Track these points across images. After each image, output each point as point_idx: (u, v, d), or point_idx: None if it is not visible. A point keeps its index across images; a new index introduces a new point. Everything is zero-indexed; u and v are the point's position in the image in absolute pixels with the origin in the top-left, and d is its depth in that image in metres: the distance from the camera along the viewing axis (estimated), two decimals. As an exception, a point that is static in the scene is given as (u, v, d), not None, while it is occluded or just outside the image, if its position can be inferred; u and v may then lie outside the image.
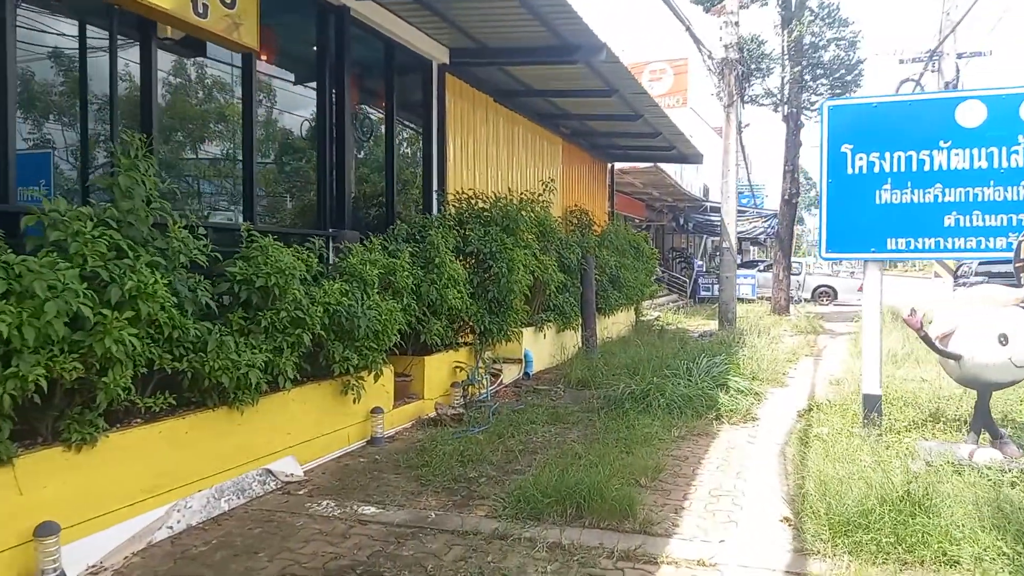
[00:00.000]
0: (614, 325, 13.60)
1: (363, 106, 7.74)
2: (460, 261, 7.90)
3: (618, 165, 19.03)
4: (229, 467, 4.51)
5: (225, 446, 4.48)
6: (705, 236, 32.66)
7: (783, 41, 18.51)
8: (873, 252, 5.93)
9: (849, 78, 19.12)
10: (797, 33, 18.02)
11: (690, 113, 27.53)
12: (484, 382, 7.82)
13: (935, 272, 17.70)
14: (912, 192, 5.81)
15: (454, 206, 8.22)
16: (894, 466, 4.99)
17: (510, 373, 9.08)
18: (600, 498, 4.24)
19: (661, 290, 27.99)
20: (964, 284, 18.09)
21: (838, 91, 19.34)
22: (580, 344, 10.99)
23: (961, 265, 18.35)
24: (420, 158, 8.54)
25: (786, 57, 18.63)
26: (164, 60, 5.41)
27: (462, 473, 5.08)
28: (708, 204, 29.32)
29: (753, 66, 19.14)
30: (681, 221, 29.42)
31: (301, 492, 4.77)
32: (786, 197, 18.73)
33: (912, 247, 5.84)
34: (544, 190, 10.53)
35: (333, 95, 6.80)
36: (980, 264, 17.57)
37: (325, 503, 4.53)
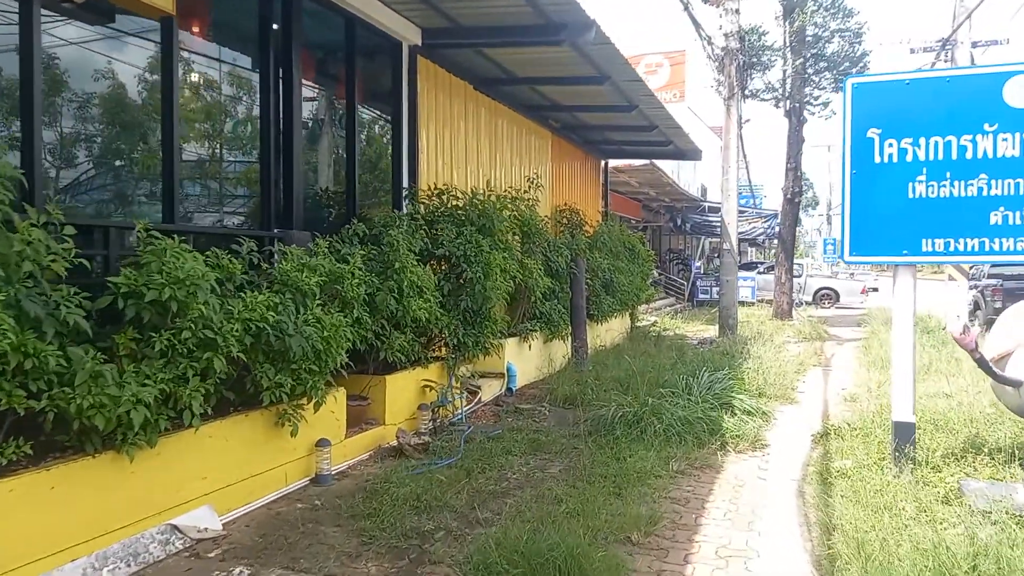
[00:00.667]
0: (608, 332, 12.72)
1: (318, 90, 6.85)
2: (432, 265, 7.02)
3: (613, 163, 18.16)
4: (118, 526, 3.61)
5: (112, 500, 3.58)
6: (703, 237, 31.80)
7: (784, 32, 17.66)
8: (906, 255, 5.05)
9: (854, 72, 18.24)
10: (799, 24, 17.17)
11: (687, 112, 26.63)
12: (458, 402, 6.92)
13: (948, 275, 16.83)
14: (952, 184, 4.93)
15: (423, 203, 7.33)
16: (943, 516, 4.11)
17: (491, 389, 8.19)
18: (580, 570, 3.35)
19: (658, 293, 27.13)
20: (976, 288, 17.24)
21: (842, 85, 18.49)
22: (570, 355, 10.10)
23: (972, 268, 17.48)
24: (389, 151, 7.65)
25: (788, 49, 17.79)
26: (65, 31, 4.52)
27: (416, 525, 4.17)
28: (706, 204, 28.46)
29: (754, 59, 18.29)
30: (678, 222, 28.55)
31: (213, 554, 3.87)
32: (788, 195, 17.88)
33: (952, 248, 4.95)
34: (530, 187, 9.65)
35: (280, 77, 5.91)
36: (992, 267, 16.71)
37: (238, 570, 3.63)
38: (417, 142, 7.72)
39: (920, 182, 5.00)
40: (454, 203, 7.23)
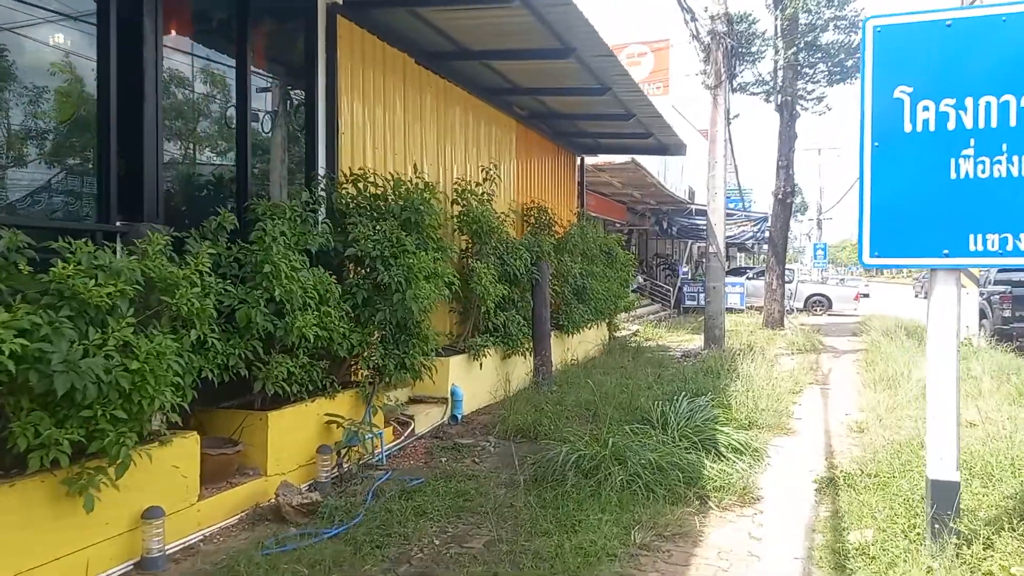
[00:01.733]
0: (581, 345, 11.40)
1: (194, 46, 5.49)
2: (349, 267, 5.67)
3: (592, 160, 16.88)
4: None
5: None
6: (690, 241, 30.58)
7: (776, 20, 16.44)
8: (947, 256, 3.74)
9: (851, 63, 17.05)
10: (792, 11, 15.96)
11: (672, 112, 25.33)
12: (376, 440, 5.56)
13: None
14: (1011, 160, 3.63)
15: (345, 192, 5.97)
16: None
17: (429, 418, 6.84)
18: None
19: (643, 300, 25.86)
20: (983, 295, 16.06)
21: (837, 78, 17.31)
22: (532, 373, 8.76)
23: (980, 271, 16.27)
24: (302, 130, 6.30)
25: (779, 39, 16.56)
26: None
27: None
28: (693, 207, 27.24)
29: (743, 48, 17.05)
30: (664, 225, 27.29)
31: None
32: (780, 196, 16.63)
33: (1011, 248, 3.64)
34: (484, 179, 8.32)
35: (128, 22, 4.54)
36: (999, 271, 15.50)
37: None
38: (337, 121, 6.37)
39: (967, 158, 3.69)
40: (373, 191, 5.88)
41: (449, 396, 7.14)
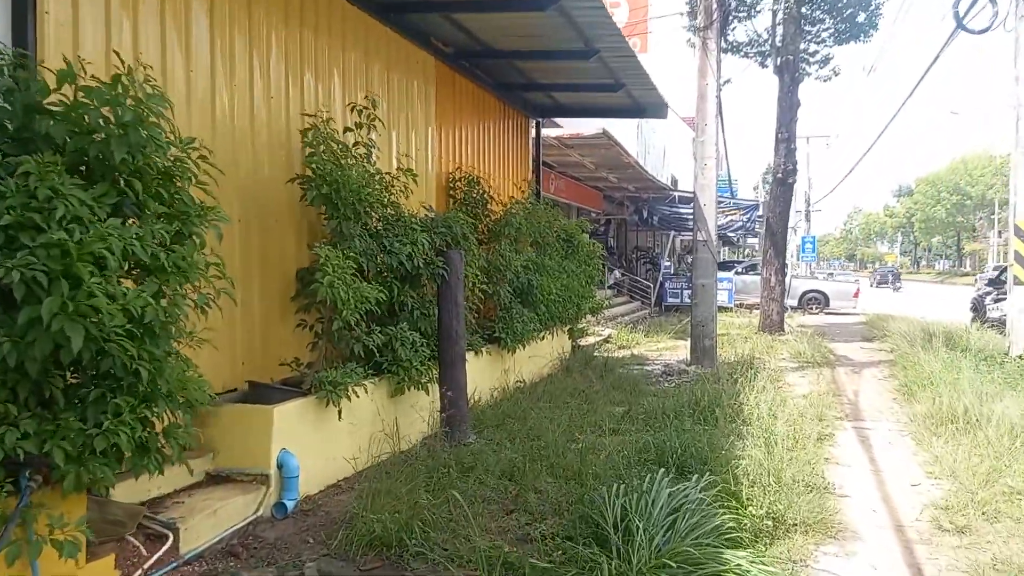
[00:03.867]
0: (530, 362, 8.59)
1: None
2: None
3: (557, 133, 14.08)
4: None
5: None
6: (673, 233, 27.84)
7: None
8: None
9: (862, 18, 14.35)
10: (795, -50, 13.22)
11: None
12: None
13: (1015, 277, 12.90)
14: None
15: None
16: None
17: (227, 514, 3.98)
18: None
19: (621, 297, 23.11)
20: (978, 291, 13.50)
21: (845, 36, 14.59)
22: (438, 415, 5.90)
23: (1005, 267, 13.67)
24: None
25: (780, -14, 13.82)
26: None
27: None
28: (676, 194, 24.51)
29: (736, 2, 14.29)
30: (644, 214, 24.48)
31: None
32: (779, 174, 13.89)
33: None
34: (363, 120, 5.44)
35: None
36: (995, 268, 12.93)
37: None
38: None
39: None
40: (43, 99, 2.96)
41: (274, 470, 4.29)
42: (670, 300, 23.66)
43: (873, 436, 6.50)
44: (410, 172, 5.66)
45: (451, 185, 7.91)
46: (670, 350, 12.63)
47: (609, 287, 23.34)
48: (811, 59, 14.68)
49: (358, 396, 4.95)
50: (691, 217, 26.68)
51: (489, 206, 8.09)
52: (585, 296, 10.19)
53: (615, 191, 23.92)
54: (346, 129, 5.34)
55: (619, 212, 26.08)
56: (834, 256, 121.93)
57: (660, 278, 24.00)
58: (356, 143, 5.37)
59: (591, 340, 12.88)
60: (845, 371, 10.43)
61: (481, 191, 7.99)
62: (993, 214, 60.03)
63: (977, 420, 6.21)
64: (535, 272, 8.16)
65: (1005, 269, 13.76)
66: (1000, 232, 65.30)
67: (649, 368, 10.39)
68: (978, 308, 14.86)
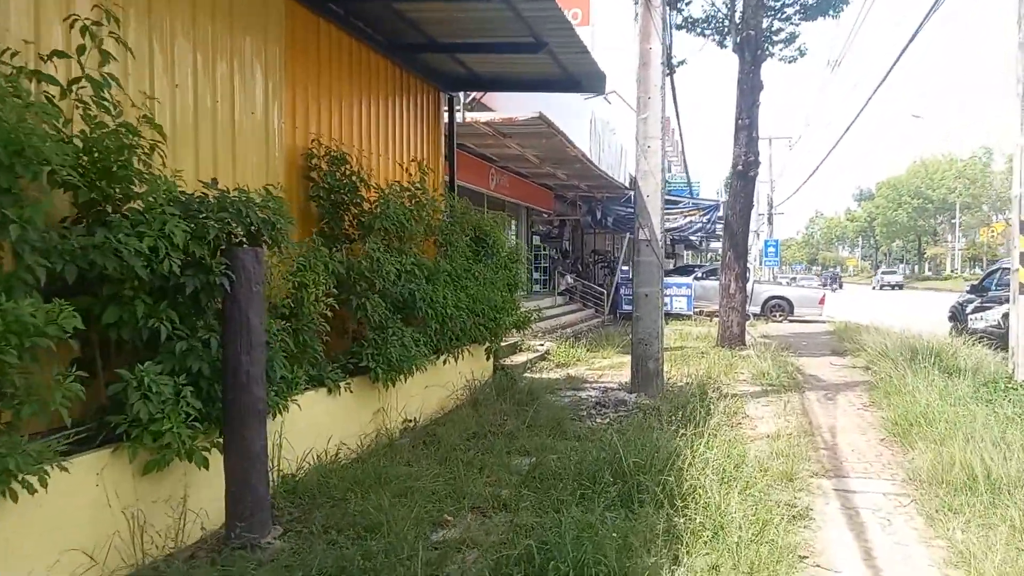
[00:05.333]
0: (427, 394, 6.69)
1: None
2: None
3: (488, 116, 12.22)
4: None
5: None
6: (629, 235, 26.03)
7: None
8: None
9: (831, -8, 12.73)
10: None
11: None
12: None
13: (992, 277, 11.44)
14: None
15: None
16: None
17: None
18: None
19: (572, 305, 21.33)
20: (961, 301, 11.95)
21: (813, 11, 12.97)
22: (226, 500, 3.91)
23: (997, 271, 12.12)
24: None
25: (739, -48, 12.14)
26: None
27: None
28: (632, 193, 22.81)
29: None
30: (597, 214, 22.70)
31: None
32: (740, 166, 12.18)
33: None
34: (89, 42, 3.47)
35: None
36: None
37: None
38: None
39: None
40: None
41: None
42: (625, 307, 21.92)
43: (864, 506, 4.70)
44: (155, 125, 3.69)
45: (310, 164, 5.96)
46: (615, 368, 10.81)
47: (560, 294, 21.55)
48: (775, 37, 13.02)
49: (55, 475, 2.96)
50: (635, 205, 25.11)
51: (362, 192, 6.15)
52: (505, 308, 8.30)
53: (567, 190, 22.18)
54: (53, 55, 3.36)
55: (572, 213, 24.35)
56: (796, 261, 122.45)
57: (616, 283, 22.28)
58: (76, 80, 3.40)
59: (524, 358, 11.02)
60: (817, 397, 8.70)
61: (350, 170, 6.04)
62: (954, 218, 59.86)
63: (1007, 485, 4.46)
64: (420, 280, 6.23)
65: (992, 274, 12.26)
66: (963, 235, 65.37)
67: (585, 394, 8.54)
68: (958, 317, 13.37)
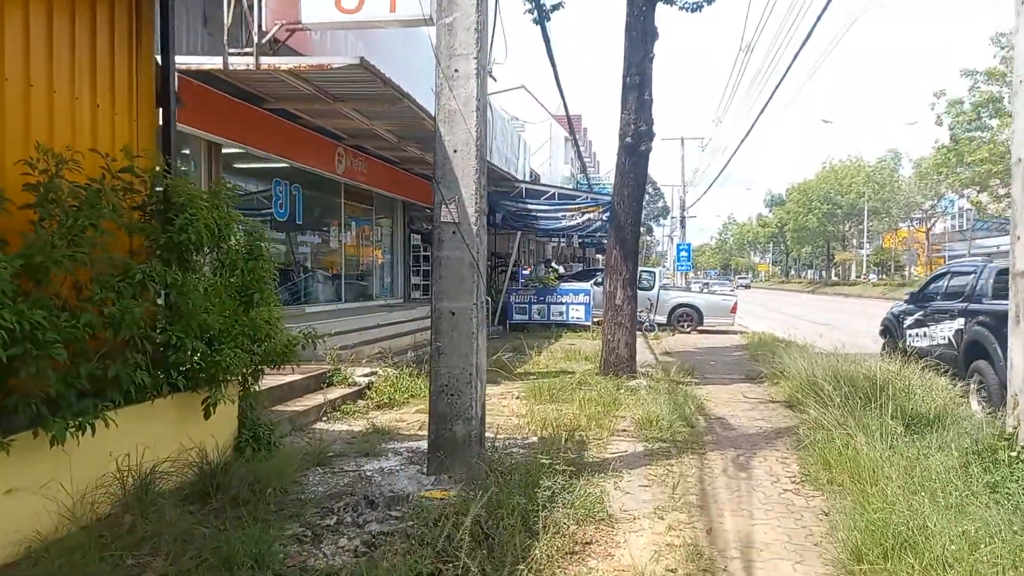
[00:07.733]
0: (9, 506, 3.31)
1: None
2: None
3: (291, 62, 8.93)
4: None
5: None
6: (520, 233, 22.59)
7: None
8: None
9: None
10: None
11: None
12: None
13: (940, 281, 9.02)
14: None
15: None
16: None
17: None
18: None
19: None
20: (894, 312, 9.54)
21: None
22: None
23: (951, 273, 9.67)
24: None
25: None
26: None
27: None
28: (523, 186, 19.93)
29: None
30: (486, 212, 19.60)
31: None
32: (629, 138, 9.24)
33: None
34: None
35: None
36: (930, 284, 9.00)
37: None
38: None
39: None
40: None
41: None
42: (516, 318, 19.00)
43: None
44: None
45: None
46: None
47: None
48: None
49: None
50: (542, 215, 21.50)
51: None
52: (232, 333, 5.01)
53: (446, 180, 18.91)
54: None
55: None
56: (710, 266, 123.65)
57: (505, 292, 19.28)
58: None
59: (322, 399, 7.74)
60: (724, 464, 5.78)
61: None
62: (861, 224, 60.06)
63: None
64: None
65: (938, 278, 9.79)
66: (869, 242, 65.97)
67: (374, 466, 5.37)
68: (892, 332, 10.95)
